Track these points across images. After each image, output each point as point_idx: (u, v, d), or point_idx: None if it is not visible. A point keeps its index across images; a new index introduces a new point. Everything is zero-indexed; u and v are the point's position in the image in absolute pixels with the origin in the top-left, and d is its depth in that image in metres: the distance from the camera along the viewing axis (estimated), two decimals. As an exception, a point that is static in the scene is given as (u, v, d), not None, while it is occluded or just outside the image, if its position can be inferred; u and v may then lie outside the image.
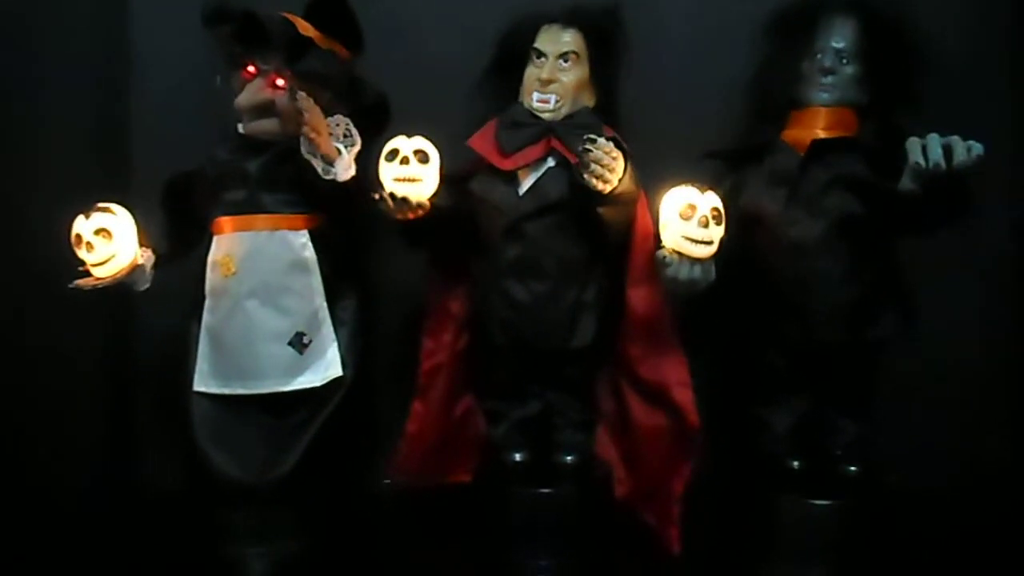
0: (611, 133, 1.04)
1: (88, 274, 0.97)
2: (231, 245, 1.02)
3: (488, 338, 1.06)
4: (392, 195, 0.93)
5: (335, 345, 1.04)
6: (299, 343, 1.02)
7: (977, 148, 0.84)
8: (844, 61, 1.00)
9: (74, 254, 0.97)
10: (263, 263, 1.01)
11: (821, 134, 0.99)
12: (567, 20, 1.04)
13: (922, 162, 0.85)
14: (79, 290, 0.96)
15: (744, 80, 1.10)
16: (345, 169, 0.97)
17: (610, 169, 0.92)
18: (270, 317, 1.01)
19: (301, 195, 1.02)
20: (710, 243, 0.89)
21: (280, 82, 1.00)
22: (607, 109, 1.06)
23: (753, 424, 1.07)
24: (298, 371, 1.03)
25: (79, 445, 1.21)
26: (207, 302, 1.03)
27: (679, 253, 0.89)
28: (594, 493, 1.07)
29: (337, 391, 1.04)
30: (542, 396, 1.09)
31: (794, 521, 0.99)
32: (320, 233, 1.04)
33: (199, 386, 1.03)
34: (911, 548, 1.04)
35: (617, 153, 0.93)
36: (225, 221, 1.03)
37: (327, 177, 0.97)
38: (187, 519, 1.09)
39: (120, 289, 1.00)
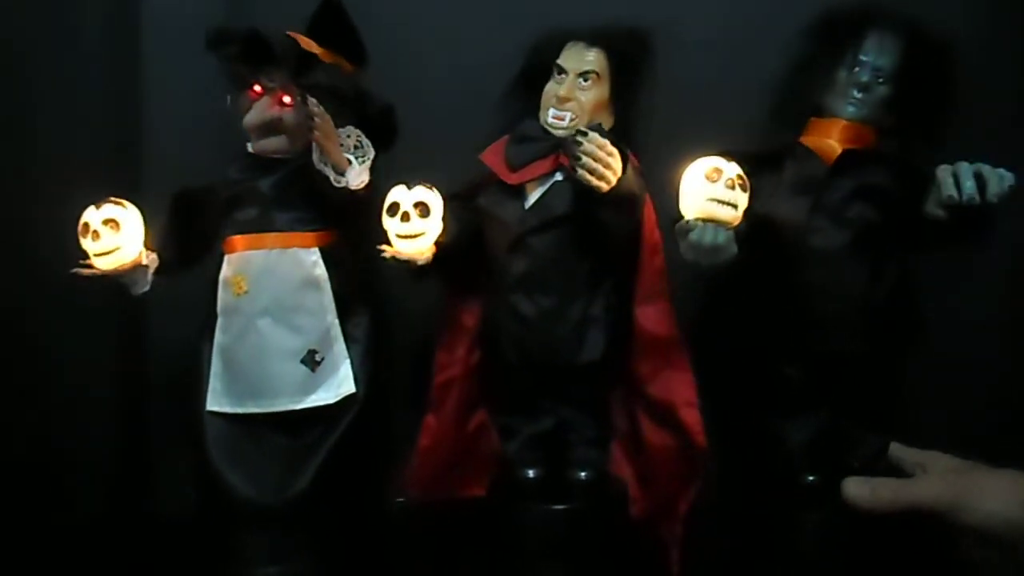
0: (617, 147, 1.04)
1: (90, 266, 0.96)
2: (243, 264, 1.02)
3: (499, 353, 1.05)
4: (395, 257, 0.93)
5: (348, 363, 1.04)
6: (311, 361, 1.02)
7: (1008, 178, 0.84)
8: (880, 80, 0.99)
9: (79, 244, 0.96)
10: (275, 281, 1.01)
11: (838, 147, 0.99)
12: (592, 39, 1.03)
13: (955, 195, 0.84)
14: (78, 277, 0.95)
15: (757, 86, 1.08)
16: (356, 177, 0.98)
17: (605, 165, 0.90)
18: (283, 335, 1.01)
19: (313, 212, 1.03)
20: (736, 207, 0.87)
21: (287, 99, 1.01)
22: (624, 132, 1.04)
23: (768, 438, 1.05)
24: (311, 389, 1.02)
25: (90, 467, 1.21)
26: (219, 321, 1.03)
27: (703, 219, 0.87)
28: (608, 510, 1.06)
29: (351, 408, 1.04)
30: (555, 412, 1.07)
31: (813, 536, 0.98)
32: (331, 250, 1.04)
33: (212, 406, 1.03)
34: (935, 561, 1.02)
35: (613, 149, 0.91)
36: (236, 240, 1.03)
37: (339, 186, 0.97)
38: (199, 540, 1.09)
39: (119, 290, 0.99)
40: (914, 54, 0.99)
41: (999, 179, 0.84)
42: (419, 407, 1.09)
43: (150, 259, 1.01)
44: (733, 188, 0.86)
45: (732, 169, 0.87)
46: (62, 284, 1.10)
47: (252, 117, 1.02)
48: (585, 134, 0.90)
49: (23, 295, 1.17)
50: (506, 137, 1.05)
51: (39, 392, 1.19)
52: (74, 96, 1.24)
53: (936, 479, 0.70)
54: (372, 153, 1.01)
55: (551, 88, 1.03)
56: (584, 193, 0.95)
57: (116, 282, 0.98)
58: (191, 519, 1.10)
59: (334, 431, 1.03)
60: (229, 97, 1.05)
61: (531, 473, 1.06)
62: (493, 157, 1.04)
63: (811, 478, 1.01)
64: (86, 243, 0.96)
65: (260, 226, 1.02)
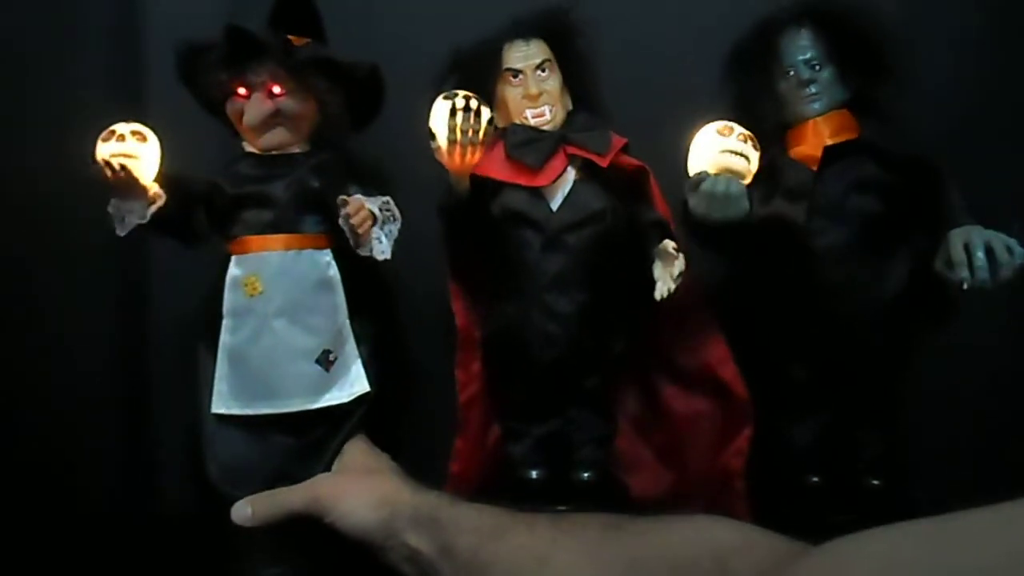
0: (622, 141, 1.04)
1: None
2: (257, 265, 1.01)
3: (519, 357, 1.05)
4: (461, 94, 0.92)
5: (359, 362, 1.04)
6: (325, 360, 1.02)
7: (1020, 254, 0.85)
8: (817, 68, 1.01)
9: (93, 158, 0.93)
10: (291, 283, 1.00)
11: (830, 141, 1.01)
12: (526, 33, 1.05)
13: (968, 278, 0.86)
14: (95, 172, 0.92)
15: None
16: (379, 249, 0.97)
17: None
18: (298, 336, 1.00)
19: (325, 214, 1.02)
20: (749, 160, 0.89)
21: (277, 88, 1.00)
22: (589, 106, 1.07)
23: (771, 439, 1.06)
24: (324, 389, 1.02)
25: (93, 466, 1.21)
26: (226, 322, 1.02)
27: (717, 171, 0.89)
28: (609, 511, 1.06)
29: (358, 408, 1.03)
30: (563, 413, 1.08)
31: (818, 538, 0.98)
32: (343, 250, 1.03)
33: (218, 408, 1.01)
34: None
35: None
36: (249, 240, 1.02)
37: (362, 254, 0.97)
38: (202, 538, 1.08)
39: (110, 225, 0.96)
40: (824, 25, 1.01)
41: (1010, 258, 0.85)
42: (426, 409, 1.09)
43: (155, 193, 0.97)
44: (745, 142, 0.89)
45: (742, 128, 0.91)
46: (64, 281, 1.10)
47: (250, 117, 1.01)
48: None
49: (23, 294, 1.16)
50: (498, 146, 1.04)
51: (39, 389, 1.18)
52: (75, 92, 1.23)
53: (307, 485, 0.73)
54: (399, 221, 1.00)
55: (514, 92, 1.04)
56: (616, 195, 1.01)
57: (116, 205, 0.95)
58: (194, 518, 1.09)
59: (341, 430, 1.02)
60: (228, 107, 1.03)
61: (534, 474, 1.06)
62: (498, 168, 1.03)
63: (816, 479, 1.02)
64: (107, 146, 0.94)
65: (273, 227, 1.01)
